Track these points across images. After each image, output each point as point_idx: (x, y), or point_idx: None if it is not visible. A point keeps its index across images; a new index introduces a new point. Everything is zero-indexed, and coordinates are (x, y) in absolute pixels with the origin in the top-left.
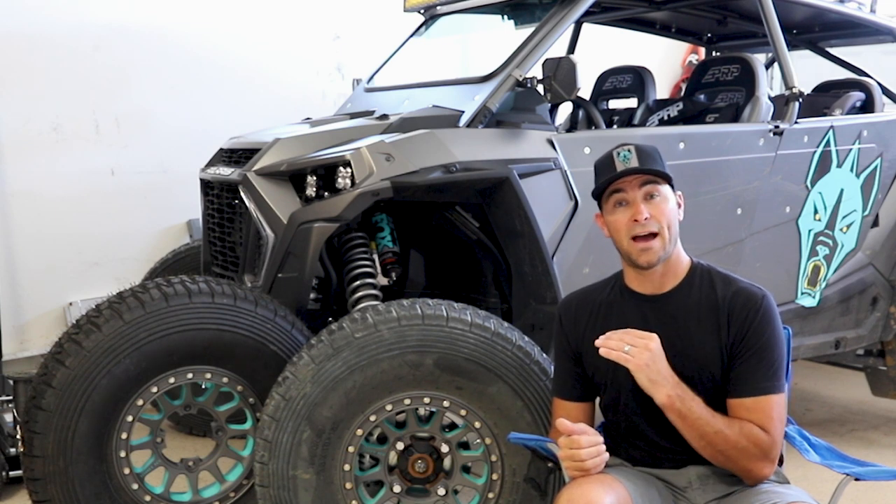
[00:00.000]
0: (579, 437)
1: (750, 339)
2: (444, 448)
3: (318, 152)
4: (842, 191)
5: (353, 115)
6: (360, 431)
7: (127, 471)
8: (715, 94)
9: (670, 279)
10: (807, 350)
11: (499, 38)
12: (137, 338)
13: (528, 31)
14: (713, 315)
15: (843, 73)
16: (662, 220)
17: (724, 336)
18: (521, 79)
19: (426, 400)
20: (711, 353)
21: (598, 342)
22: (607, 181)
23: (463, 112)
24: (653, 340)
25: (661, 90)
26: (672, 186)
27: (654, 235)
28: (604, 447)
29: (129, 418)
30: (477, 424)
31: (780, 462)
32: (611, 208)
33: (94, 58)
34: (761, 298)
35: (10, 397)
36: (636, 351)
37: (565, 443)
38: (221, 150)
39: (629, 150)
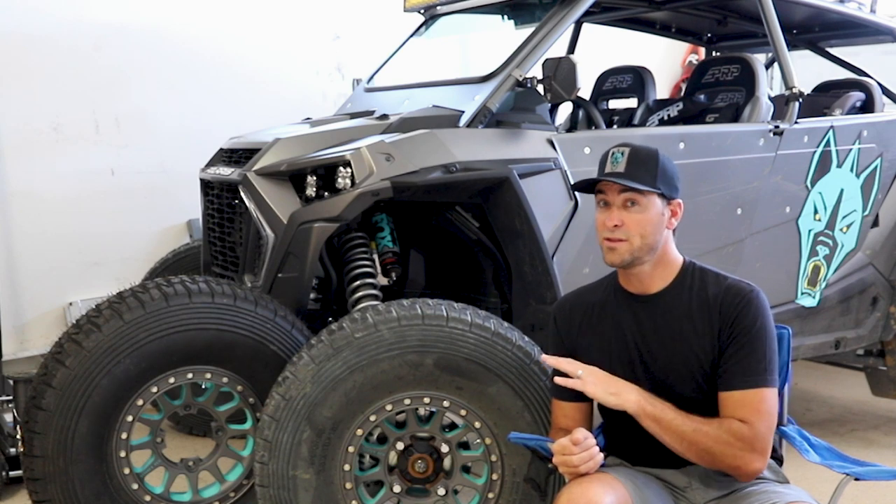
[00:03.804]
0: (572, 447)
1: (739, 332)
2: (444, 448)
3: (318, 152)
4: (842, 191)
5: (353, 115)
6: (360, 431)
7: (127, 471)
8: (715, 94)
9: (659, 280)
10: (807, 350)
11: (499, 38)
12: (137, 338)
13: (528, 31)
14: (705, 313)
15: (843, 73)
16: (634, 230)
17: (716, 332)
18: (521, 79)
19: (426, 400)
20: (706, 350)
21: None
22: (589, 182)
23: (463, 112)
24: (591, 367)
25: (661, 90)
26: (666, 196)
27: (622, 241)
28: (597, 450)
29: (129, 418)
30: (477, 424)
31: (780, 462)
32: (597, 205)
33: (94, 58)
34: (749, 292)
35: (10, 397)
36: (587, 372)
37: (558, 450)
38: (221, 150)
39: (622, 153)
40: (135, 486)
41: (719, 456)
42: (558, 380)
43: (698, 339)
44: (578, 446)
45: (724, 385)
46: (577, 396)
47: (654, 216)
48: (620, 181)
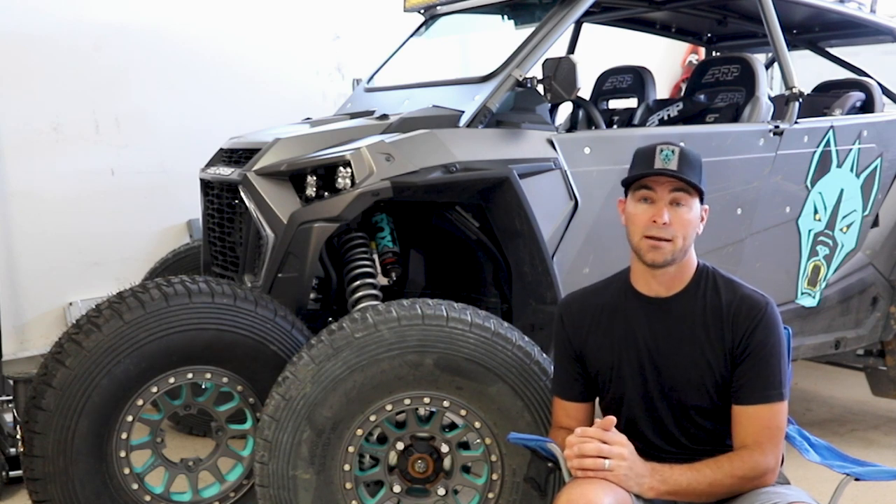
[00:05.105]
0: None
1: (753, 348)
2: (444, 448)
3: (318, 152)
4: (842, 191)
5: (353, 115)
6: (360, 431)
7: (127, 471)
8: (715, 94)
9: (678, 283)
10: (807, 350)
11: (499, 38)
12: (137, 338)
13: (528, 31)
14: (717, 320)
15: (843, 73)
16: (680, 230)
17: (727, 342)
18: (521, 79)
19: (426, 400)
20: (718, 359)
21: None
22: (641, 174)
23: (463, 112)
24: (624, 446)
25: (661, 90)
26: (702, 200)
27: (667, 240)
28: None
29: (129, 418)
30: (477, 424)
31: (781, 462)
32: (635, 200)
33: (94, 58)
34: (765, 306)
35: (10, 397)
36: (615, 464)
37: (575, 441)
38: (221, 150)
39: (672, 151)
40: (135, 486)
41: (739, 489)
42: (577, 471)
43: (710, 347)
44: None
45: (739, 399)
46: (581, 395)
47: (695, 217)
48: (680, 177)
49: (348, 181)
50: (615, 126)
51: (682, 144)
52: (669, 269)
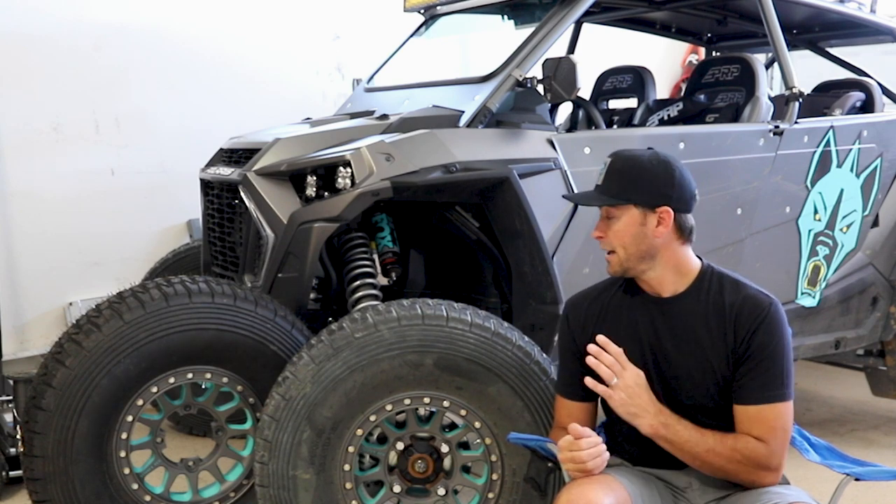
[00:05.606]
0: (579, 441)
1: (756, 348)
2: (444, 448)
3: (318, 152)
4: (842, 191)
5: (353, 115)
6: (360, 431)
7: (127, 471)
8: (715, 94)
9: (671, 285)
10: (807, 350)
11: (499, 38)
12: (137, 338)
13: (528, 31)
14: (720, 320)
15: (843, 73)
16: (613, 241)
17: (730, 342)
18: (521, 79)
19: (426, 400)
20: (720, 357)
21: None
22: (566, 196)
23: (463, 112)
24: (631, 376)
25: (661, 90)
26: (650, 205)
27: (610, 252)
28: (604, 447)
29: (129, 418)
30: (477, 424)
31: None
32: None
33: (94, 58)
34: (768, 306)
35: (10, 397)
36: (620, 385)
37: (566, 445)
38: (221, 150)
39: (605, 164)
40: (135, 486)
41: (733, 474)
42: (588, 381)
43: (713, 346)
44: (584, 441)
45: (740, 398)
46: (583, 395)
47: (629, 227)
48: (581, 200)
49: (348, 181)
50: (615, 126)
51: (620, 153)
52: (649, 273)
